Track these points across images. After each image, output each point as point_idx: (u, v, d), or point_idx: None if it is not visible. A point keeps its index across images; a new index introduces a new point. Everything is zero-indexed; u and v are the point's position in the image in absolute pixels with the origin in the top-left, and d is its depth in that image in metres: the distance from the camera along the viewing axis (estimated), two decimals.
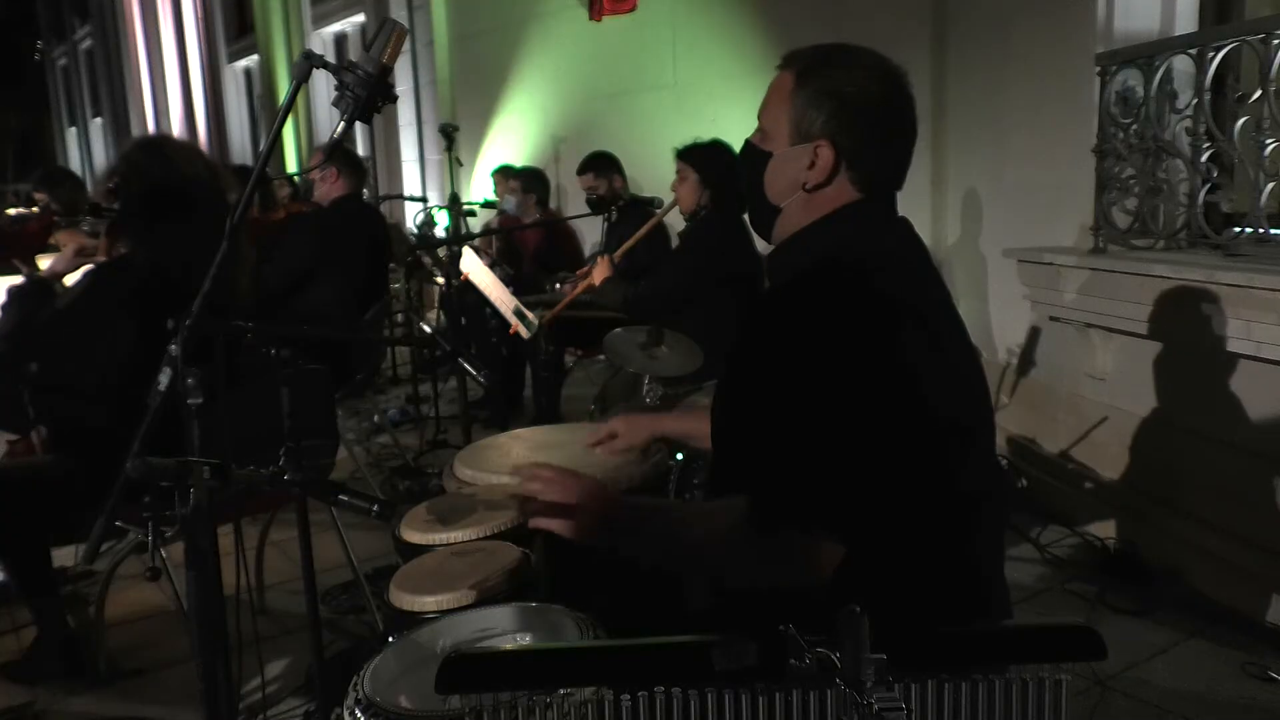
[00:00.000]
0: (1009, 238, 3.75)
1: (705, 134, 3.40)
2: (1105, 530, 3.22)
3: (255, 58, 12.32)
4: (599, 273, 3.56)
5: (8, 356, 2.51)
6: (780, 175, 1.37)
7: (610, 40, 6.32)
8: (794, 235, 1.38)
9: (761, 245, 3.44)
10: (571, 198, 6.85)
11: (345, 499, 1.53)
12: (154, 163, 2.44)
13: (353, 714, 1.22)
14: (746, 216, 1.54)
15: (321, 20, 10.65)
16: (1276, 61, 2.55)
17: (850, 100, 1.30)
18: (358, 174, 4.05)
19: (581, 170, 4.99)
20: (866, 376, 1.19)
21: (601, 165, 4.93)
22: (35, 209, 5.57)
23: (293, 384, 1.78)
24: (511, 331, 3.23)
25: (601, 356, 3.71)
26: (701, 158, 3.31)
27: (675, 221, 3.80)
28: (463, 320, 5.04)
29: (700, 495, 2.75)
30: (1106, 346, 3.28)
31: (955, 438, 1.28)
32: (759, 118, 1.40)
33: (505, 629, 1.45)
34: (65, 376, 2.46)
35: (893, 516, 1.20)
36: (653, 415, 2.08)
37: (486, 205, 6.30)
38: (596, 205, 4.56)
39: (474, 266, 3.39)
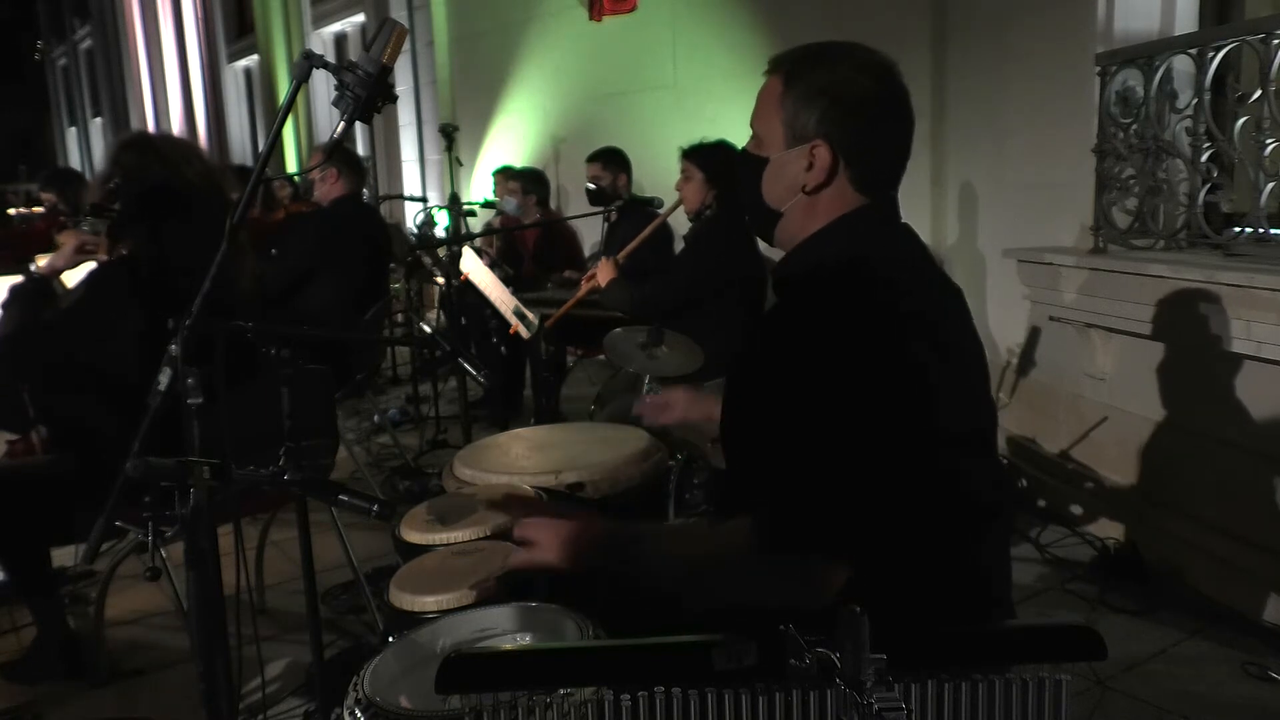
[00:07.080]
0: (1009, 238, 3.75)
1: (705, 134, 3.39)
2: (1105, 530, 3.22)
3: (255, 58, 12.32)
4: (603, 274, 3.54)
5: (10, 356, 2.50)
6: (778, 180, 1.34)
7: (610, 40, 6.32)
8: (799, 246, 1.36)
9: (765, 246, 3.46)
10: (572, 198, 6.85)
11: (345, 499, 1.53)
12: (148, 162, 2.43)
13: (353, 714, 1.22)
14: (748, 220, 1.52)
15: (321, 20, 10.65)
16: (1276, 61, 2.55)
17: (842, 97, 1.28)
18: (358, 174, 4.05)
19: (591, 158, 4.93)
20: (878, 393, 1.17)
21: (611, 159, 4.90)
22: (40, 209, 5.60)
23: (293, 384, 1.78)
24: (511, 331, 3.23)
25: (601, 356, 3.71)
26: (707, 157, 3.29)
27: (678, 222, 3.80)
28: (463, 320, 5.03)
29: (700, 495, 2.74)
30: (1106, 346, 3.28)
31: (966, 449, 1.27)
32: (751, 125, 1.38)
33: (505, 629, 1.45)
34: (74, 375, 2.45)
35: (905, 531, 1.19)
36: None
37: (486, 205, 6.29)
38: (595, 197, 4.52)
39: (474, 266, 3.39)
